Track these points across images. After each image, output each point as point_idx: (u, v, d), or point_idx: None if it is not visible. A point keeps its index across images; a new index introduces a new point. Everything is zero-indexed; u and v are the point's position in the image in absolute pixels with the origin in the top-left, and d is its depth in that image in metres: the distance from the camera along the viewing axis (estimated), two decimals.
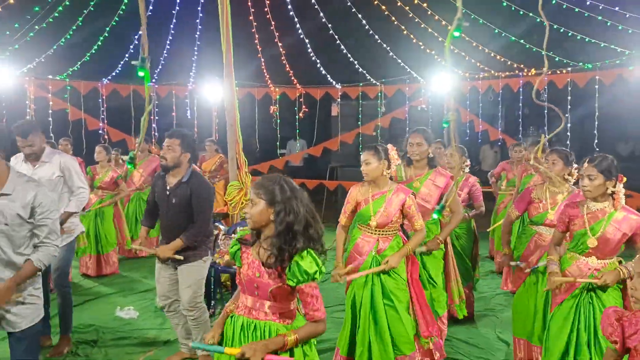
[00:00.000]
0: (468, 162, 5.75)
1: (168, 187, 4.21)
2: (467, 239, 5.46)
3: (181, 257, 4.13)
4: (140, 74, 3.50)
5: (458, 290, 4.85)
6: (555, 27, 9.09)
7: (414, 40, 10.69)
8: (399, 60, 11.16)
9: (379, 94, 12.00)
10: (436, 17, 10.07)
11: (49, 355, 4.55)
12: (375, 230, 3.95)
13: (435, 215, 4.09)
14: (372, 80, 11.71)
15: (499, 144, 12.03)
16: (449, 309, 4.79)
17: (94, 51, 10.79)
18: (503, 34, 10.06)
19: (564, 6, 8.83)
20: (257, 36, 10.94)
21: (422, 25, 10.25)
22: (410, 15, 10.10)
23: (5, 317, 3.03)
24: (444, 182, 4.46)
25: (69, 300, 4.81)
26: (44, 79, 10.91)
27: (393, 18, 10.29)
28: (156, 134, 12.20)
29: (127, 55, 11.13)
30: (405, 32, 10.55)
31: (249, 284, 2.57)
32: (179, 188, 4.19)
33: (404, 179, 4.52)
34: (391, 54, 11.06)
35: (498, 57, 10.33)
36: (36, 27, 9.68)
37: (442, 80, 10.64)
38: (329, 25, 10.71)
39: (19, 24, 9.64)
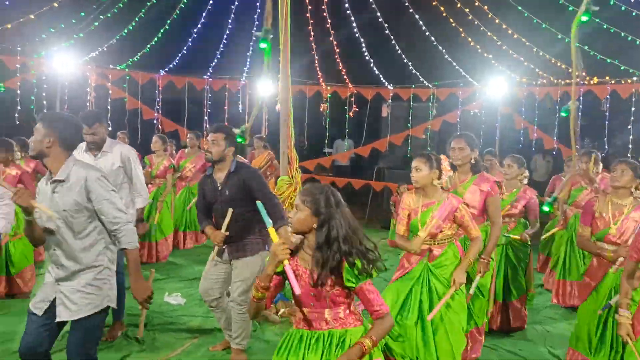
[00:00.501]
0: (526, 173, 5.47)
1: (218, 183, 4.25)
2: (523, 250, 5.27)
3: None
4: (262, 45, 3.42)
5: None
6: (622, 34, 8.76)
7: (472, 44, 10.51)
8: (454, 63, 10.99)
9: (431, 96, 11.88)
10: (497, 20, 9.87)
11: (105, 339, 4.67)
12: (425, 241, 3.86)
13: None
14: (425, 82, 11.58)
15: (554, 153, 11.68)
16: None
17: (154, 43, 11.06)
18: (567, 40, 9.76)
19: (634, 13, 8.49)
20: (312, 33, 10.98)
21: (482, 29, 10.07)
22: (470, 17, 9.93)
23: (64, 305, 3.02)
24: (488, 187, 4.36)
25: (122, 286, 4.91)
26: (105, 68, 11.28)
27: (451, 20, 10.13)
28: (208, 127, 12.40)
29: (185, 48, 11.36)
30: (463, 35, 10.39)
31: (305, 296, 2.53)
32: (229, 179, 4.23)
33: (448, 185, 4.41)
34: (447, 56, 10.90)
35: (559, 63, 10.03)
36: (101, 16, 10.00)
37: (497, 85, 10.43)
38: (385, 24, 10.64)
39: (84, 13, 9.96)
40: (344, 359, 2.39)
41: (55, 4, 9.21)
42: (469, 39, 10.53)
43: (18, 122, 9.74)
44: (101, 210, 3.04)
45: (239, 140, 4.06)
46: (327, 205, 2.46)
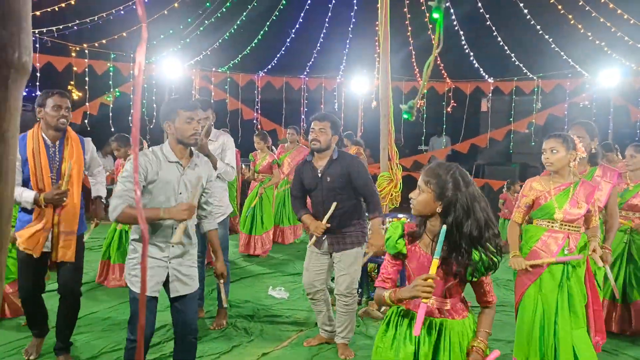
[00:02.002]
0: None
1: (319, 170, 4.24)
2: None
3: None
4: (435, 15, 3.41)
5: None
6: None
7: (582, 31, 9.90)
8: (562, 53, 10.40)
9: (535, 89, 11.33)
10: (610, 5, 9.22)
11: (213, 327, 4.88)
12: (563, 225, 3.63)
13: None
14: (528, 74, 11.06)
15: None
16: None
17: (253, 45, 11.43)
18: None
19: None
20: (409, 28, 10.84)
21: (594, 14, 9.45)
22: (580, 2, 9.35)
23: (180, 280, 3.20)
24: (614, 179, 4.07)
25: (228, 276, 5.12)
26: (208, 71, 11.81)
27: (559, 6, 9.59)
28: (305, 125, 12.62)
29: (282, 49, 11.62)
30: (572, 22, 9.80)
31: None
32: (331, 167, 4.23)
33: None
34: (553, 45, 10.34)
35: None
36: (206, 21, 10.47)
37: (610, 75, 9.75)
38: (487, 15, 10.27)
39: (191, 19, 10.48)
40: None
41: (165, 12, 9.76)
42: (579, 26, 9.91)
43: (132, 125, 10.39)
44: (209, 192, 3.33)
45: (405, 116, 3.97)
46: (455, 187, 2.19)
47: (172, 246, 3.14)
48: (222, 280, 3.49)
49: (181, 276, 3.21)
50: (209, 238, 3.48)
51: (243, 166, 8.64)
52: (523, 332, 3.65)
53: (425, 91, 12.21)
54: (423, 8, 10.18)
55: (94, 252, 7.13)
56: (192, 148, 3.27)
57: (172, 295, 3.21)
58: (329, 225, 4.19)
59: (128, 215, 2.98)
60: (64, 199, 3.68)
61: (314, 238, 4.27)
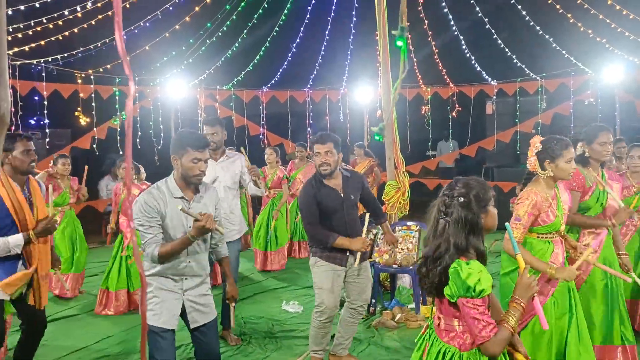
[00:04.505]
0: None
1: (339, 190, 4.21)
2: None
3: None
4: (399, 43, 3.47)
5: None
6: None
7: (582, 29, 9.89)
8: (563, 52, 10.39)
9: (539, 88, 11.31)
10: (609, 1, 9.22)
11: (233, 344, 4.91)
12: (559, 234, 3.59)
13: None
14: (531, 74, 11.06)
15: None
16: None
17: (256, 61, 11.53)
18: None
19: None
20: (409, 36, 10.87)
21: (593, 12, 9.45)
22: (578, 1, 9.35)
23: (198, 311, 3.24)
24: (621, 183, 4.11)
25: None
26: (212, 89, 11.92)
27: (558, 6, 9.59)
28: (311, 137, 12.67)
29: (285, 63, 11.71)
30: (572, 21, 9.80)
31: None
32: (348, 185, 4.26)
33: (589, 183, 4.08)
34: (554, 45, 10.34)
35: None
36: (207, 41, 10.59)
37: (614, 71, 9.73)
38: (485, 19, 10.30)
39: (193, 40, 10.61)
40: None
41: (167, 34, 9.89)
42: (579, 24, 9.91)
43: (139, 147, 10.52)
44: (218, 219, 3.30)
45: (376, 138, 4.08)
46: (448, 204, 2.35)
47: (186, 278, 3.20)
48: (233, 304, 3.53)
49: (198, 306, 3.25)
50: (222, 264, 3.54)
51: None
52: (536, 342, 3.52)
53: (430, 97, 12.26)
54: (422, 15, 10.23)
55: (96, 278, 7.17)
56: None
57: (192, 326, 3.23)
58: (370, 244, 4.26)
59: (165, 252, 3.06)
60: (56, 225, 3.70)
61: (358, 256, 4.13)
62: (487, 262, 2.32)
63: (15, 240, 3.49)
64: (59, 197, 6.31)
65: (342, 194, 4.21)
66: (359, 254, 4.14)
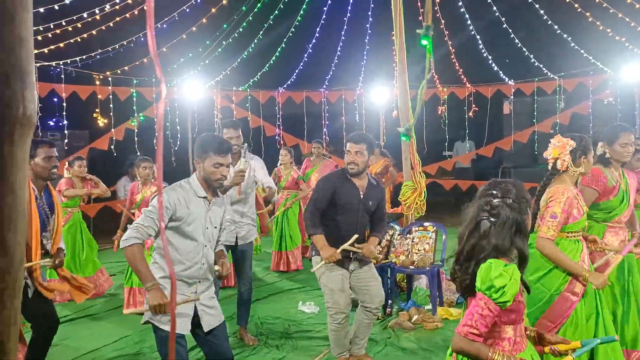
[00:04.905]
0: None
1: (361, 192, 4.21)
2: None
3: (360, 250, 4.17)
4: (424, 42, 3.49)
5: None
6: None
7: (601, 27, 9.77)
8: (582, 51, 10.28)
9: (557, 88, 11.21)
10: (629, 0, 9.09)
11: (251, 344, 4.92)
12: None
13: None
14: (549, 74, 10.96)
15: None
16: None
17: (272, 62, 11.57)
18: None
19: None
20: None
21: (611, 11, 9.33)
22: (597, 0, 9.24)
23: (209, 314, 3.25)
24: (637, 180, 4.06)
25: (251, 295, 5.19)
26: (228, 90, 11.98)
27: (576, 4, 9.49)
28: (327, 137, 12.68)
29: (301, 63, 11.74)
30: (590, 19, 9.69)
31: None
32: (372, 191, 4.25)
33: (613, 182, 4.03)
34: (572, 44, 10.23)
35: None
36: (223, 42, 10.65)
37: (633, 69, 9.60)
38: (502, 18, 10.22)
39: (209, 41, 10.68)
40: None
41: (184, 36, 9.96)
42: (598, 23, 9.79)
43: (156, 148, 10.58)
44: (223, 226, 3.40)
45: (403, 138, 4.05)
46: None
47: (199, 282, 3.21)
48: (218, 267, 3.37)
49: (209, 309, 3.27)
50: (217, 255, 3.44)
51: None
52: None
53: (446, 97, 12.20)
54: (438, 15, 10.17)
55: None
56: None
57: (206, 330, 3.24)
58: (340, 257, 4.05)
59: (131, 256, 3.00)
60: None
61: (321, 263, 4.09)
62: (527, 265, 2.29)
63: None
64: (71, 199, 6.38)
65: (362, 195, 4.20)
66: (321, 262, 4.07)
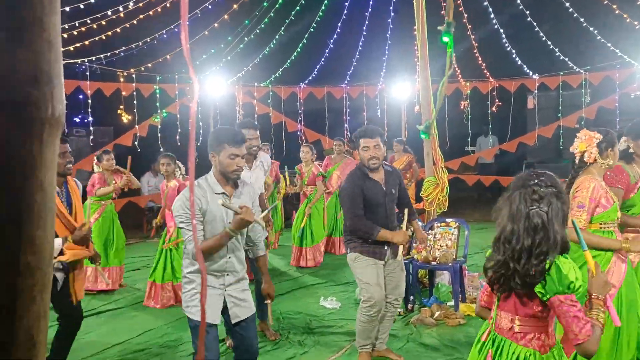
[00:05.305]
0: None
1: (382, 185, 4.27)
2: None
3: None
4: (445, 39, 3.49)
5: None
6: None
7: (628, 20, 9.57)
8: (608, 44, 10.08)
9: (583, 82, 11.02)
10: None
11: (273, 338, 4.96)
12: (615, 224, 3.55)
13: None
14: (575, 67, 10.77)
15: None
16: None
17: (293, 58, 11.58)
18: None
19: None
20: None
21: (639, 3, 9.13)
22: None
23: (239, 306, 3.29)
24: None
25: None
26: (250, 86, 12.03)
27: None
28: (348, 133, 12.67)
29: (322, 59, 11.73)
30: (617, 12, 9.50)
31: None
32: (390, 179, 4.32)
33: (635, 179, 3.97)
34: (599, 37, 10.04)
35: None
36: (245, 38, 10.70)
37: None
38: (527, 11, 10.07)
39: (231, 37, 10.74)
40: None
41: (206, 32, 10.04)
42: (625, 15, 9.59)
43: (179, 144, 10.72)
44: (257, 214, 3.34)
45: (423, 136, 4.12)
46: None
47: (227, 274, 3.25)
48: (268, 300, 3.52)
49: (238, 302, 3.30)
50: (258, 263, 3.55)
51: (285, 177, 8.63)
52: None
53: (469, 91, 12.08)
54: (461, 9, 10.05)
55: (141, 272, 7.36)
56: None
57: (233, 322, 3.28)
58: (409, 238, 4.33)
59: (205, 248, 3.09)
60: (90, 239, 3.75)
61: (400, 249, 4.19)
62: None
63: (55, 245, 3.57)
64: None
65: (384, 188, 4.27)
66: (400, 248, 4.19)
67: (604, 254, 3.40)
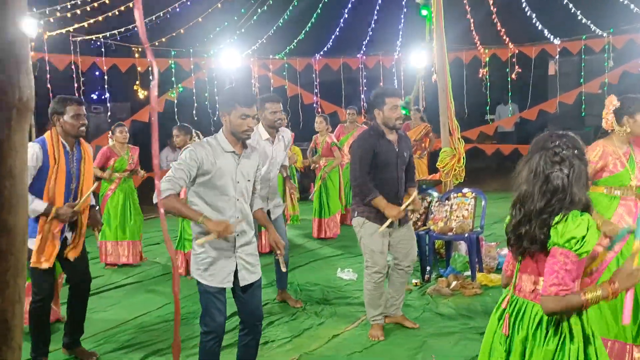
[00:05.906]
0: None
1: (395, 145, 4.27)
2: None
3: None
4: (424, 12, 3.43)
5: None
6: None
7: None
8: (632, 6, 9.74)
9: (606, 46, 10.69)
10: None
11: (299, 306, 5.08)
12: (634, 192, 3.48)
13: None
14: (597, 31, 10.45)
15: None
16: None
17: (308, 29, 11.43)
18: None
19: None
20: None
21: None
22: None
23: (247, 269, 3.27)
24: None
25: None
26: (265, 59, 11.95)
27: None
28: (365, 104, 12.54)
29: (337, 29, 11.56)
30: None
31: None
32: (402, 142, 4.34)
33: None
34: None
35: None
36: (259, 10, 10.58)
37: None
38: None
39: (244, 9, 10.63)
40: None
41: (219, 5, 9.94)
42: None
43: (196, 118, 10.74)
44: (257, 180, 3.41)
45: (403, 111, 4.11)
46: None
47: (237, 235, 3.21)
48: (279, 251, 3.44)
49: (247, 265, 3.29)
50: (256, 216, 3.47)
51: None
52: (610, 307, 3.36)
53: (487, 59, 11.82)
54: None
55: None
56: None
57: (241, 284, 3.27)
58: (404, 215, 4.26)
59: (172, 205, 3.05)
60: (74, 218, 3.80)
61: (388, 221, 4.13)
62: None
63: (36, 205, 3.60)
64: (117, 162, 6.55)
65: (397, 149, 4.27)
66: (388, 221, 4.14)
67: (607, 207, 3.46)
